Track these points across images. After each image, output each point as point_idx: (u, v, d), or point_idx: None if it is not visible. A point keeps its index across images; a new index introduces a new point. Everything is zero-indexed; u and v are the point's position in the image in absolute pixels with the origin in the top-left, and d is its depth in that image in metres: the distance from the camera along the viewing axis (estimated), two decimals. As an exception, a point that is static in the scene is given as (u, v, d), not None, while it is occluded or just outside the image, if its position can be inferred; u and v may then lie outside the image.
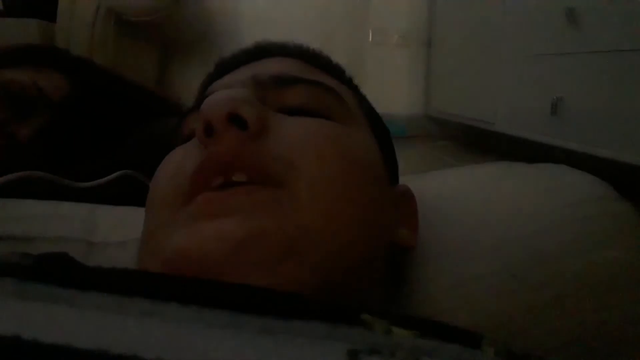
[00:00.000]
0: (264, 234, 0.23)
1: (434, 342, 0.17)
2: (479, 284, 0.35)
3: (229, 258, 0.22)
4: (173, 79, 1.93)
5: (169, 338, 0.16)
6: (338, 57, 0.40)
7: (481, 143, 2.18)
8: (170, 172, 0.28)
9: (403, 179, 0.40)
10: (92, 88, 0.68)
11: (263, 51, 0.37)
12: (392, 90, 2.52)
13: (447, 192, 0.43)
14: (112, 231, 0.42)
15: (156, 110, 0.75)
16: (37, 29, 1.34)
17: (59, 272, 0.19)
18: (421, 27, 2.53)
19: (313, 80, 0.32)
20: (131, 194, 0.45)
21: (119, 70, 0.78)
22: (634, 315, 0.35)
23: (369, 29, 2.55)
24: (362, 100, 0.38)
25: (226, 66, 0.37)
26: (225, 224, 0.23)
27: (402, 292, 0.36)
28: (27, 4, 1.49)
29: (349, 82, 0.39)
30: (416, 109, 2.57)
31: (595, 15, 1.26)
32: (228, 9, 2.25)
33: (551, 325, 0.35)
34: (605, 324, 0.34)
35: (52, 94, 0.63)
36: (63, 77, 0.66)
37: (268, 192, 0.25)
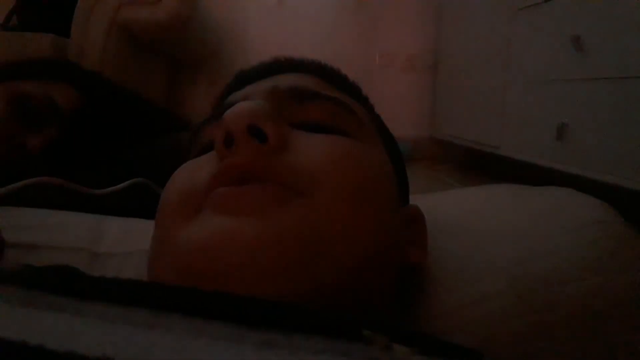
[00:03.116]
0: (281, 238, 0.23)
1: (433, 359, 0.17)
2: (484, 304, 0.35)
3: (243, 259, 0.22)
4: (181, 96, 1.96)
5: (173, 350, 0.16)
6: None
7: (486, 166, 2.18)
8: (185, 180, 0.28)
9: (411, 199, 0.40)
10: (103, 102, 0.69)
11: (281, 66, 0.38)
12: (398, 112, 2.54)
13: (454, 212, 0.43)
14: (117, 242, 0.42)
15: (165, 125, 0.76)
16: (51, 44, 1.36)
17: (63, 282, 0.19)
18: (428, 50, 2.57)
19: (331, 97, 0.32)
20: (142, 203, 0.45)
21: (129, 85, 0.79)
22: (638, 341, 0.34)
23: (376, 51, 2.58)
24: (377, 119, 0.38)
25: (245, 78, 0.38)
26: (243, 222, 0.23)
27: (409, 310, 0.36)
28: (42, 19, 1.53)
29: (364, 101, 0.39)
30: (422, 132, 2.59)
31: (601, 42, 1.28)
32: (237, 28, 2.29)
33: (556, 348, 0.34)
34: (611, 349, 0.34)
35: (64, 107, 0.64)
36: (75, 91, 0.67)
37: (286, 195, 0.25)
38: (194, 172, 0.28)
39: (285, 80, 0.34)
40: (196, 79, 1.96)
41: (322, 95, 0.32)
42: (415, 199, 0.41)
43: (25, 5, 1.57)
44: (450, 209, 0.44)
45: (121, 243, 0.43)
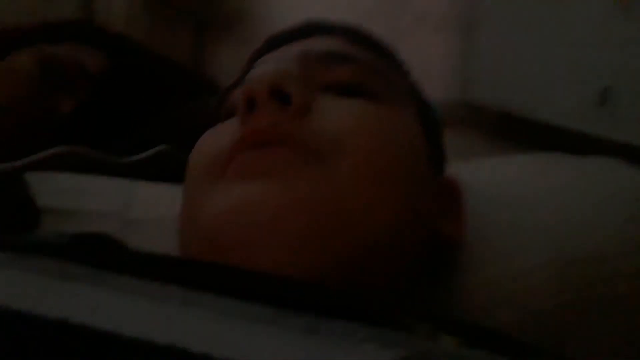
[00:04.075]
0: (300, 205, 0.22)
1: (481, 352, 0.16)
2: (522, 279, 0.34)
3: (263, 227, 0.22)
4: (207, 58, 1.94)
5: (214, 332, 0.15)
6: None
7: (520, 133, 2.11)
8: (208, 147, 0.28)
9: (447, 167, 0.39)
10: (129, 64, 0.68)
11: (312, 29, 0.37)
12: (428, 74, 2.46)
13: (493, 181, 0.41)
14: (149, 208, 0.42)
15: (192, 89, 0.75)
16: (78, 5, 1.36)
17: (98, 254, 0.19)
18: (462, 10, 2.46)
19: (362, 60, 0.31)
20: (170, 170, 0.45)
21: (154, 47, 0.79)
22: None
23: (407, 11, 2.49)
24: (412, 85, 0.37)
25: (275, 42, 0.37)
26: (262, 187, 0.22)
27: (442, 284, 0.35)
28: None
29: (399, 66, 0.37)
30: (452, 95, 2.51)
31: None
32: (264, -12, 2.24)
33: (598, 327, 0.33)
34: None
35: (92, 69, 0.64)
36: (101, 53, 0.66)
37: (309, 159, 0.24)
38: (218, 138, 0.28)
39: (317, 44, 0.33)
40: (221, 43, 1.94)
41: (354, 58, 0.31)
42: (450, 168, 0.39)
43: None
44: (489, 179, 0.42)
45: (152, 209, 0.43)
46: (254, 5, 2.13)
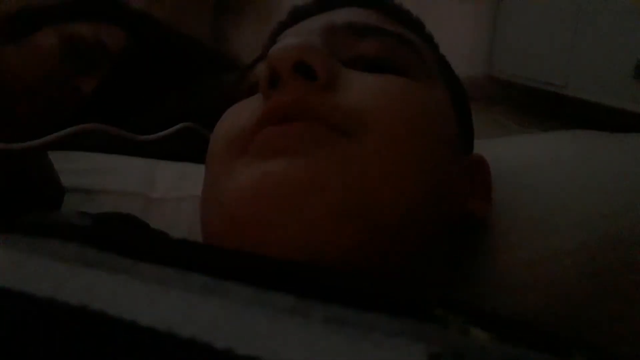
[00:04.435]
0: (325, 182, 0.21)
1: (519, 349, 0.15)
2: (555, 262, 0.33)
3: (290, 200, 0.21)
4: (228, 37, 1.93)
5: (236, 325, 0.15)
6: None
7: (550, 108, 2.04)
8: (230, 124, 0.27)
9: (474, 144, 0.37)
10: (150, 41, 0.68)
11: (337, 0, 0.35)
12: (453, 47, 2.39)
13: (525, 160, 0.39)
14: (170, 187, 0.42)
15: (214, 65, 0.74)
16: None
17: (120, 239, 0.18)
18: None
19: (390, 31, 0.30)
20: (192, 147, 0.44)
21: (175, 24, 0.78)
22: None
23: (432, -19, 2.41)
24: (441, 59, 0.36)
25: (299, 14, 0.36)
26: (287, 163, 0.22)
27: (471, 265, 0.34)
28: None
29: (428, 39, 0.36)
30: (478, 69, 2.44)
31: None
32: (285, -39, 2.19)
33: (631, 312, 0.32)
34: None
35: (113, 48, 0.64)
36: (122, 30, 0.66)
37: (333, 135, 0.23)
38: (240, 115, 0.27)
39: (343, 15, 0.31)
40: (243, 17, 1.92)
41: (382, 29, 0.30)
42: (477, 145, 0.37)
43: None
44: (518, 157, 0.40)
45: (174, 188, 0.43)
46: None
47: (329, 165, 0.22)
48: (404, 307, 0.16)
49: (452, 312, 0.16)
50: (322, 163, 0.22)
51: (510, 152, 0.42)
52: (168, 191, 0.42)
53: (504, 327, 0.16)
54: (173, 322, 0.14)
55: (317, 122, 0.23)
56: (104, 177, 0.41)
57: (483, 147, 0.38)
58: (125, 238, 0.19)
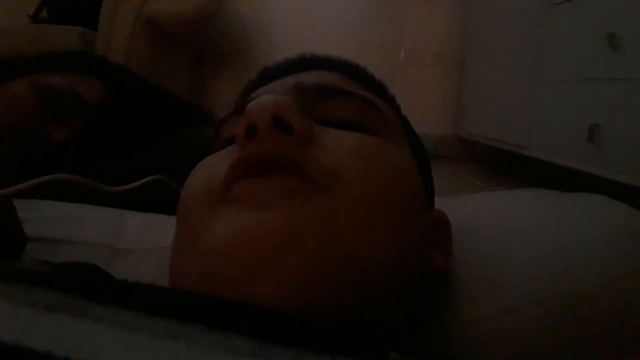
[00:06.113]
0: (300, 235, 0.22)
1: None
2: (512, 316, 0.33)
3: (268, 252, 0.21)
4: (205, 90, 1.96)
5: None
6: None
7: (512, 167, 2.13)
8: (204, 174, 0.27)
9: (436, 202, 0.39)
10: (127, 94, 0.69)
11: (307, 62, 0.37)
12: (422, 109, 2.50)
13: (482, 217, 0.41)
14: (137, 238, 0.42)
15: (189, 119, 0.76)
16: (79, 36, 1.38)
17: (84, 284, 0.18)
18: (454, 47, 2.52)
19: (357, 94, 0.31)
20: (162, 200, 0.44)
21: (153, 78, 0.80)
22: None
23: (401, 47, 2.55)
24: (403, 119, 0.37)
25: (269, 74, 0.37)
26: (264, 215, 0.22)
27: (432, 319, 0.34)
28: (72, 12, 1.55)
29: (391, 101, 0.38)
30: (446, 129, 2.55)
31: (638, 41, 1.22)
32: (261, 22, 2.29)
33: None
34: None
35: (89, 99, 0.64)
36: (100, 83, 0.67)
37: (309, 188, 0.24)
38: (214, 166, 0.27)
39: (311, 77, 0.33)
40: (220, 74, 1.97)
41: (348, 92, 0.31)
42: (440, 202, 0.39)
43: (55, -2, 1.60)
44: (477, 214, 0.42)
45: (141, 239, 0.42)
46: (254, 39, 2.18)
47: (306, 219, 0.22)
48: (360, 350, 0.16)
49: (406, 355, 0.17)
50: (300, 217, 0.22)
51: (471, 210, 0.43)
52: (135, 242, 0.42)
53: None
54: None
55: (293, 176, 0.24)
56: (70, 226, 0.41)
57: (446, 204, 0.40)
58: (89, 282, 0.19)
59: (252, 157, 0.24)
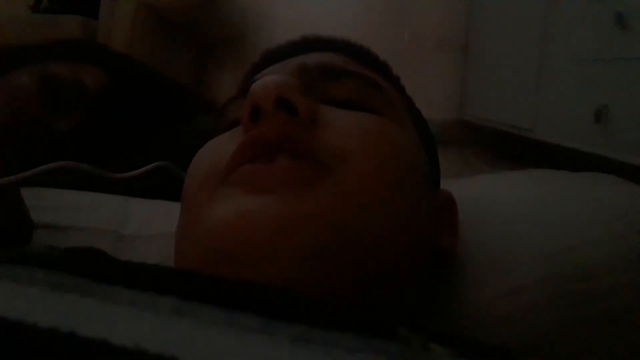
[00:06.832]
0: (309, 220, 0.22)
1: None
2: (518, 297, 0.33)
3: (269, 241, 0.21)
4: (207, 77, 1.96)
5: (205, 341, 0.15)
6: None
7: (517, 151, 2.12)
8: (209, 157, 0.27)
9: (441, 183, 0.39)
10: (129, 83, 0.69)
11: (310, 44, 0.37)
12: (426, 94, 2.48)
13: (488, 198, 0.41)
14: (142, 224, 0.42)
15: (191, 107, 0.75)
16: (80, 26, 1.38)
17: (89, 265, 0.18)
18: (458, 30, 2.49)
19: (361, 74, 0.31)
20: (166, 186, 0.45)
21: (155, 66, 0.79)
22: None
23: (405, 32, 2.52)
24: (408, 100, 0.37)
25: (272, 57, 0.37)
26: (271, 201, 0.22)
27: (439, 301, 0.34)
28: (72, 2, 1.54)
29: (395, 81, 0.37)
30: (451, 114, 2.53)
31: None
32: (263, 8, 2.27)
33: (598, 343, 0.33)
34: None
35: (92, 89, 0.64)
36: (102, 72, 0.67)
37: (313, 172, 0.23)
38: (218, 149, 0.27)
39: (314, 58, 0.33)
40: (223, 60, 1.96)
41: (352, 72, 0.31)
42: (445, 184, 0.39)
43: (55, -13, 1.59)
44: (483, 195, 0.42)
45: (146, 225, 0.43)
46: (256, 27, 2.16)
47: (312, 202, 0.22)
48: (368, 327, 0.16)
49: (414, 332, 0.17)
50: (306, 201, 0.22)
51: (477, 190, 0.43)
52: (140, 228, 0.42)
53: (463, 344, 0.17)
54: (143, 341, 0.14)
55: (298, 159, 0.23)
56: (76, 214, 0.41)
57: (452, 185, 0.40)
58: (96, 264, 0.19)
59: (256, 140, 0.24)
